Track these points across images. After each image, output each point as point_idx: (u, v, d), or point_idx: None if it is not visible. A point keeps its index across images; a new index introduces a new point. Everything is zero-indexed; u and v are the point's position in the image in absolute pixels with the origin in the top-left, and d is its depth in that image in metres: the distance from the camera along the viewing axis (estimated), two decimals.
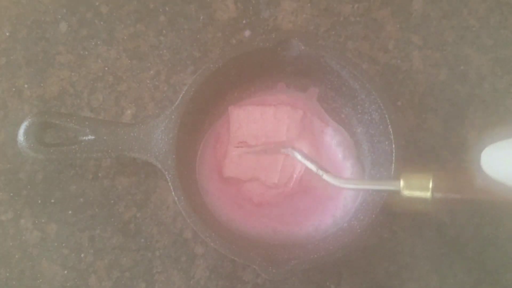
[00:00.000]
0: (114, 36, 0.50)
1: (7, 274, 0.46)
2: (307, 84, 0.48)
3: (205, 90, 0.44)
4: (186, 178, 0.43)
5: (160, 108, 0.49)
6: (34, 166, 0.48)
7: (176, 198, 0.41)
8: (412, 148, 0.47)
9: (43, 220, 0.47)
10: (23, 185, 0.48)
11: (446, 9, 0.49)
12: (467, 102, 0.48)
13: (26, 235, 0.47)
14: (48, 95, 0.49)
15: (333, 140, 0.46)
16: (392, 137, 0.42)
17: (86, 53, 0.50)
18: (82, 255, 0.47)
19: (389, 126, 0.42)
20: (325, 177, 0.39)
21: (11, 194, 0.48)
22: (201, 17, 0.50)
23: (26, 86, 0.50)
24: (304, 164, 0.41)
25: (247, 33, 0.50)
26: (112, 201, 0.47)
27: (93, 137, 0.43)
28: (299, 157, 0.42)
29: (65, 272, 0.46)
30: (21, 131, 0.43)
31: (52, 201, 0.47)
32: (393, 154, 0.41)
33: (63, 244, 0.47)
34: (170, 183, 0.41)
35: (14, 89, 0.49)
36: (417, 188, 0.34)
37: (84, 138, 0.43)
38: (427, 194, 0.33)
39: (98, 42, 0.50)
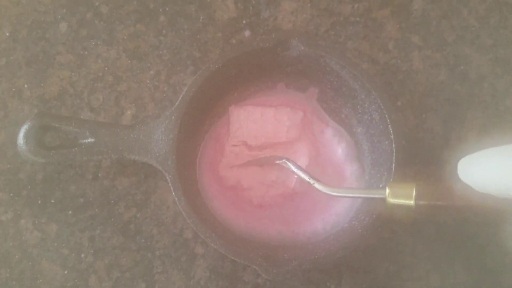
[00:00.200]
0: (114, 36, 0.50)
1: (7, 274, 0.46)
2: (307, 85, 0.48)
3: (205, 90, 0.43)
4: (186, 179, 0.43)
5: (160, 109, 0.49)
6: (34, 166, 0.48)
7: (176, 199, 0.41)
8: (412, 148, 0.47)
9: (43, 220, 0.47)
10: (23, 185, 0.48)
11: (446, 9, 0.49)
12: (467, 102, 0.48)
13: (26, 235, 0.47)
14: (48, 95, 0.49)
15: (333, 141, 0.46)
16: (392, 137, 0.42)
17: (86, 53, 0.50)
18: (82, 255, 0.47)
19: (389, 126, 0.42)
20: (316, 185, 0.41)
21: (11, 194, 0.48)
22: (201, 17, 0.50)
23: (26, 86, 0.49)
24: (297, 174, 0.43)
25: (247, 33, 0.50)
26: (112, 201, 0.47)
27: (93, 139, 0.43)
28: (293, 168, 0.43)
29: (65, 272, 0.46)
30: (21, 134, 0.42)
31: (52, 201, 0.47)
32: (393, 154, 0.41)
33: (63, 244, 0.47)
34: (170, 184, 0.41)
35: (14, 89, 0.49)
36: (401, 197, 0.36)
37: (84, 140, 0.43)
38: (411, 202, 0.35)
39: (98, 42, 0.50)
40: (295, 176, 0.45)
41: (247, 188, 0.45)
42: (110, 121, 0.49)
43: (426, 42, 0.49)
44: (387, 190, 0.37)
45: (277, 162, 0.44)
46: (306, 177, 0.42)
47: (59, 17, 0.51)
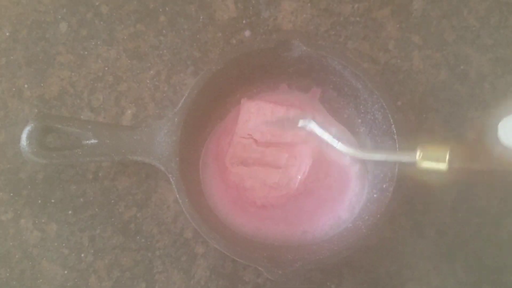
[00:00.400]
0: (114, 36, 0.50)
1: (7, 274, 0.46)
2: (309, 85, 0.48)
3: (207, 92, 0.43)
4: (189, 180, 0.43)
5: (160, 109, 0.49)
6: (35, 166, 0.48)
7: (180, 201, 0.41)
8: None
9: (43, 220, 0.47)
10: (23, 185, 0.48)
11: (446, 9, 0.49)
12: (467, 102, 0.48)
13: (26, 235, 0.47)
14: (48, 95, 0.49)
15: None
16: (395, 136, 0.42)
17: (86, 53, 0.50)
18: (82, 255, 0.47)
19: (392, 125, 0.42)
20: (341, 147, 0.40)
21: (11, 194, 0.48)
22: (201, 17, 0.50)
23: (26, 86, 0.49)
24: (321, 136, 0.42)
25: (247, 33, 0.50)
26: (112, 201, 0.47)
27: (95, 140, 0.43)
28: (317, 129, 0.43)
29: (65, 272, 0.46)
30: (23, 136, 0.42)
31: (52, 201, 0.47)
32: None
33: (63, 244, 0.47)
34: (174, 186, 0.41)
35: (14, 89, 0.49)
36: (434, 159, 0.34)
37: (86, 142, 0.43)
38: (444, 166, 0.33)
39: (98, 42, 0.50)
40: (299, 177, 0.45)
41: (250, 188, 0.45)
42: (111, 121, 0.49)
43: (426, 42, 0.49)
44: (418, 152, 0.34)
45: (301, 123, 0.44)
46: (329, 139, 0.42)
47: (59, 17, 0.51)
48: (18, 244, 0.47)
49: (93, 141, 0.43)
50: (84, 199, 0.47)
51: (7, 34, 0.50)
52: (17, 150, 0.45)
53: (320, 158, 0.45)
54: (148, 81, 0.49)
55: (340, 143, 0.41)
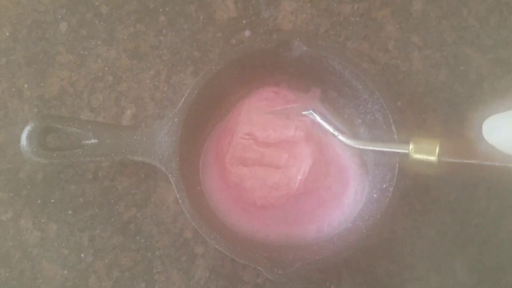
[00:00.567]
0: (114, 36, 0.50)
1: (7, 274, 0.46)
2: (309, 85, 0.48)
3: (207, 92, 0.43)
4: (189, 180, 0.43)
5: (160, 108, 0.49)
6: (34, 166, 0.48)
7: (180, 201, 0.41)
8: None
9: (43, 220, 0.47)
10: (23, 185, 0.48)
11: (446, 9, 0.49)
12: (467, 102, 0.48)
13: (26, 235, 0.47)
14: (48, 95, 0.49)
15: (336, 141, 0.46)
16: (395, 137, 0.42)
17: (86, 53, 0.50)
18: (82, 255, 0.47)
19: (392, 126, 0.42)
20: (340, 137, 0.42)
21: (11, 194, 0.48)
22: (201, 17, 0.50)
23: (26, 86, 0.49)
24: (323, 125, 0.44)
25: (247, 33, 0.50)
26: (112, 201, 0.47)
27: (96, 140, 0.43)
28: (318, 118, 0.44)
29: (65, 272, 0.46)
30: (24, 136, 0.42)
31: (52, 201, 0.47)
32: (397, 154, 0.41)
33: (63, 244, 0.47)
34: (174, 186, 0.41)
35: (14, 89, 0.49)
36: (424, 152, 0.37)
37: (87, 142, 0.43)
38: (434, 158, 0.36)
39: (98, 42, 0.50)
40: (299, 177, 0.45)
41: (250, 189, 0.45)
42: (110, 121, 0.49)
43: (426, 42, 0.49)
44: (411, 145, 0.37)
45: (304, 112, 0.45)
46: (330, 129, 0.43)
47: (59, 17, 0.51)
48: (17, 244, 0.47)
49: (93, 141, 0.43)
50: (83, 199, 0.47)
51: (7, 34, 0.50)
52: (17, 150, 0.45)
53: (320, 158, 0.45)
54: (148, 81, 0.49)
55: (340, 134, 0.43)
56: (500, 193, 0.46)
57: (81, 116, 0.49)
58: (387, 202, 0.41)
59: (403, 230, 0.46)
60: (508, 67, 0.48)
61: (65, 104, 0.49)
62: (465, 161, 0.35)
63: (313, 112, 0.45)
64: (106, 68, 0.50)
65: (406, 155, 0.38)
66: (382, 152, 0.42)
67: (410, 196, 0.46)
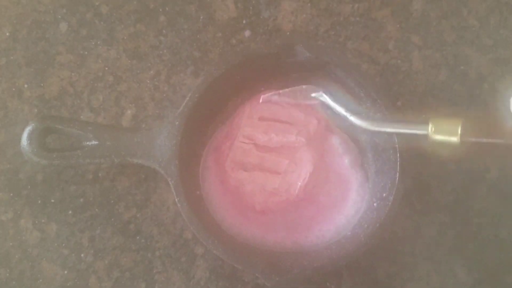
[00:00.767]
0: (114, 36, 0.50)
1: (7, 274, 0.46)
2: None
3: (208, 95, 0.43)
4: (189, 184, 0.43)
5: (160, 109, 0.49)
6: (34, 166, 0.48)
7: (179, 205, 0.41)
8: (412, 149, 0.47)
9: (43, 220, 0.47)
10: (23, 185, 0.48)
11: (446, 9, 0.49)
12: (467, 102, 0.48)
13: (26, 235, 0.47)
14: (48, 95, 0.49)
15: (337, 148, 0.45)
16: (397, 146, 0.41)
17: (86, 53, 0.50)
18: (82, 255, 0.47)
19: (394, 134, 0.41)
20: (352, 119, 0.40)
21: (11, 194, 0.48)
22: (201, 17, 0.50)
23: (26, 86, 0.49)
24: (334, 108, 0.42)
25: (247, 33, 0.50)
26: (112, 202, 0.47)
27: (96, 142, 0.43)
28: (329, 100, 0.43)
29: (65, 272, 0.46)
30: (24, 136, 0.43)
31: (52, 201, 0.47)
32: (398, 163, 0.41)
33: (63, 244, 0.47)
34: (173, 190, 0.41)
35: (14, 89, 0.49)
36: (445, 133, 0.34)
37: (87, 143, 0.43)
38: (456, 139, 0.33)
39: (98, 42, 0.50)
40: (299, 184, 0.44)
41: (249, 193, 0.45)
42: (110, 121, 0.49)
43: (426, 42, 0.49)
44: (430, 126, 0.34)
45: (313, 94, 0.44)
46: (342, 111, 0.41)
47: (59, 17, 0.51)
48: (17, 244, 0.47)
49: (93, 142, 0.43)
50: (84, 199, 0.47)
51: (7, 34, 0.50)
52: (17, 150, 0.45)
53: (321, 164, 0.45)
54: (148, 81, 0.49)
55: (353, 115, 0.40)
56: (500, 193, 0.46)
57: (81, 117, 0.49)
58: (387, 212, 0.40)
59: (403, 230, 0.46)
60: (508, 67, 0.48)
61: (65, 104, 0.49)
62: (490, 140, 0.32)
63: (323, 94, 0.43)
64: (106, 68, 0.50)
65: (425, 136, 0.35)
66: (399, 134, 0.39)
67: (410, 196, 0.46)
